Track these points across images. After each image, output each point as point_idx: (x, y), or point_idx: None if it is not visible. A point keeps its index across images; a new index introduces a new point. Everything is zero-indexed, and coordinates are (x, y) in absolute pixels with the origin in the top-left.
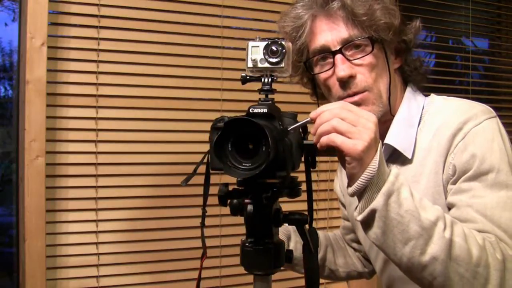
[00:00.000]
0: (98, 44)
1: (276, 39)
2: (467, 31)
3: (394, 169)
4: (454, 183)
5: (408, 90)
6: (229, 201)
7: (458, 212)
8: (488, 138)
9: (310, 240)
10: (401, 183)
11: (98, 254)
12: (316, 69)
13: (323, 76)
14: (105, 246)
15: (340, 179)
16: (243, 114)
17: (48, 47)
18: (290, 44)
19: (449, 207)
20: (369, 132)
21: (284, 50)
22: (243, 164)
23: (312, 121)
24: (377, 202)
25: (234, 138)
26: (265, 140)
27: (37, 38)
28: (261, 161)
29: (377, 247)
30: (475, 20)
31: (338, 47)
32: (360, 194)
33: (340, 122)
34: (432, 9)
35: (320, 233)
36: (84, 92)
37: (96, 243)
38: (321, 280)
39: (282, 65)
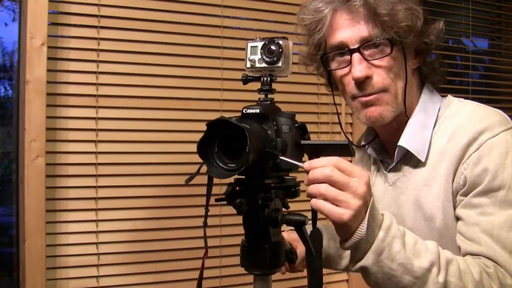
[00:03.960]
0: (98, 44)
1: (274, 39)
2: (467, 31)
3: (387, 219)
4: (464, 195)
5: (425, 91)
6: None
7: (465, 228)
8: (503, 152)
9: (310, 242)
10: (392, 236)
11: (98, 254)
12: (333, 65)
13: (339, 73)
14: (105, 246)
15: None
16: None
17: (48, 47)
18: (289, 43)
19: (458, 218)
20: (358, 198)
21: (281, 50)
22: (228, 164)
23: (306, 171)
24: (367, 260)
25: (221, 139)
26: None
27: (37, 38)
28: (244, 162)
29: None
30: (475, 20)
31: (356, 46)
32: (352, 249)
33: (329, 189)
34: (432, 9)
35: None
36: (84, 92)
37: (96, 243)
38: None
39: (279, 64)
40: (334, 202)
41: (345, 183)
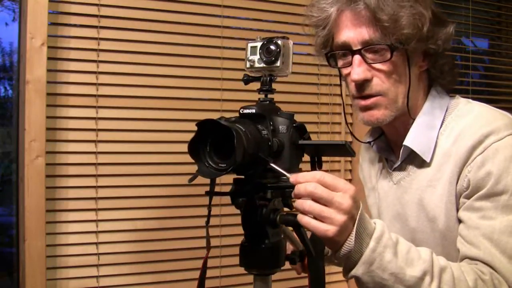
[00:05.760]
0: (98, 44)
1: (273, 38)
2: (467, 31)
3: (378, 228)
4: (467, 197)
5: (432, 93)
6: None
7: (466, 231)
8: (507, 156)
9: (310, 243)
10: (384, 246)
11: (98, 254)
12: (339, 62)
13: (344, 71)
14: (105, 246)
15: (361, 170)
16: None
17: (48, 47)
18: (289, 42)
19: (460, 221)
20: (342, 213)
21: (279, 50)
22: (219, 164)
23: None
24: (357, 270)
25: (212, 139)
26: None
27: (37, 38)
28: (232, 162)
29: None
30: (475, 20)
31: (358, 47)
32: (343, 259)
33: (313, 206)
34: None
35: None
36: (84, 92)
37: (96, 243)
38: None
39: (278, 64)
40: (319, 218)
41: (328, 199)
